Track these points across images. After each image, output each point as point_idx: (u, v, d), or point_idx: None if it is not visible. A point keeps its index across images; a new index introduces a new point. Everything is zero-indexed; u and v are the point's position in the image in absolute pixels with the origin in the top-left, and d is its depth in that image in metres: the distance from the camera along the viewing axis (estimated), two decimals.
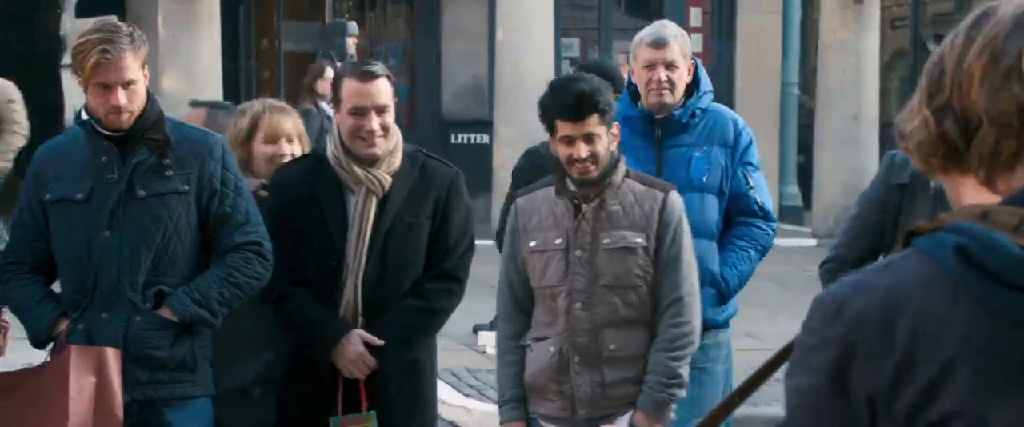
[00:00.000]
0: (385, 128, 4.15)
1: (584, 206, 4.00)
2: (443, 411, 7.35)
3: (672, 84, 4.70)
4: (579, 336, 3.99)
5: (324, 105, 11.17)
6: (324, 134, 10.76)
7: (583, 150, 3.92)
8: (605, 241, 3.98)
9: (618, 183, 4.01)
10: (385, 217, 4.17)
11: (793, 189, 14.77)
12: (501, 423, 4.18)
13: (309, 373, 4.21)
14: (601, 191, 4.00)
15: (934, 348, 1.49)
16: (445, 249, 4.24)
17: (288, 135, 4.54)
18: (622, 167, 4.05)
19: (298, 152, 4.54)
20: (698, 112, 4.75)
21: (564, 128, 3.95)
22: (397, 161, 4.21)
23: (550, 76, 13.49)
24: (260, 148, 4.50)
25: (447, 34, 15.15)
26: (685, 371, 4.02)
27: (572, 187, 4.02)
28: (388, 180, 4.17)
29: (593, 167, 3.95)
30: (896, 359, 1.50)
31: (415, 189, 4.22)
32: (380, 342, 4.15)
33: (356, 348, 4.14)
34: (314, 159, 4.33)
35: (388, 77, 4.23)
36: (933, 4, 30.75)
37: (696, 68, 4.83)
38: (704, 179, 4.69)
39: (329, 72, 11.50)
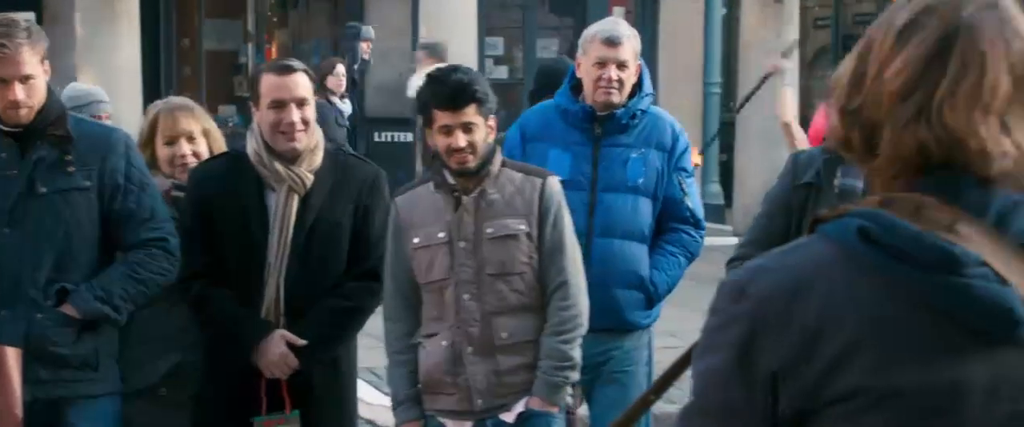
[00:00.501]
0: (305, 122, 4.13)
1: (464, 198, 4.00)
2: (363, 410, 7.31)
3: (621, 84, 4.71)
4: (470, 327, 4.00)
5: (335, 100, 11.11)
6: (337, 129, 10.69)
7: (461, 139, 3.93)
8: (488, 230, 3.99)
9: (496, 172, 4.03)
10: (307, 215, 4.15)
11: (715, 188, 14.88)
12: (397, 424, 4.17)
13: (230, 373, 4.17)
14: (480, 181, 4.01)
15: (837, 326, 1.52)
16: (366, 248, 4.23)
17: (188, 135, 4.45)
18: (499, 157, 4.06)
19: (204, 151, 4.46)
20: (639, 114, 4.75)
21: (442, 118, 3.95)
22: (318, 159, 4.19)
23: None
24: (160, 149, 4.42)
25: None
26: (577, 353, 4.04)
27: (450, 180, 4.02)
28: (310, 178, 4.15)
29: (471, 157, 3.96)
30: (799, 337, 1.53)
31: (337, 187, 4.20)
32: (303, 342, 4.12)
33: (279, 348, 4.11)
34: (234, 157, 4.28)
35: (306, 72, 4.22)
36: (854, 4, 31.11)
37: (640, 69, 4.83)
38: (639, 181, 4.68)
39: (340, 68, 11.44)
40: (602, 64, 4.69)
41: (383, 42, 14.76)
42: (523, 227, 4.01)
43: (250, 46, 15.39)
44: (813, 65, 17.56)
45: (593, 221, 4.57)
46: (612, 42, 4.68)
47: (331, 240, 4.19)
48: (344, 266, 4.22)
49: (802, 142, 6.68)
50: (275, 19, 16.02)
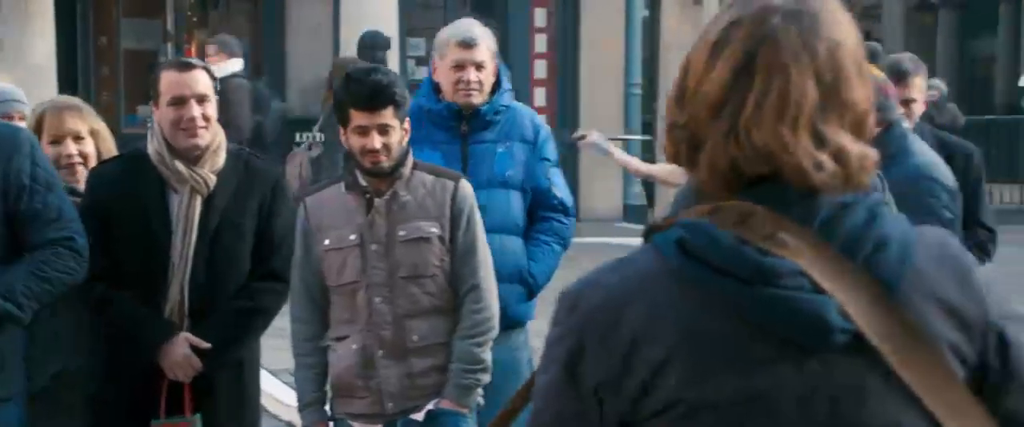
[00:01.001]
0: (206, 118, 4.10)
1: (376, 200, 3.98)
2: (281, 412, 7.27)
3: (481, 84, 4.71)
4: (382, 329, 3.97)
5: None
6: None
7: (377, 141, 3.90)
8: (401, 233, 3.97)
9: (408, 175, 4.01)
10: (211, 217, 4.12)
11: (638, 189, 14.95)
12: (303, 426, 4.14)
13: (131, 375, 4.13)
14: (392, 183, 3.99)
15: (654, 339, 1.53)
16: (270, 249, 4.21)
17: (75, 134, 4.38)
18: (410, 159, 4.05)
19: (91, 151, 4.39)
20: (502, 109, 4.78)
21: (359, 118, 3.93)
22: (221, 159, 4.16)
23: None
24: (46, 148, 4.31)
25: (292, 32, 15.01)
26: (488, 356, 4.04)
27: (362, 181, 4.00)
28: (213, 179, 4.12)
29: (385, 158, 3.93)
30: (622, 350, 1.54)
31: (240, 188, 4.18)
32: (207, 345, 4.09)
33: (182, 351, 4.08)
34: (135, 157, 4.23)
35: (207, 69, 4.19)
36: None
37: (498, 66, 4.83)
38: (508, 174, 4.71)
39: None
40: (460, 66, 4.68)
41: (305, 43, 14.69)
42: (435, 230, 3.99)
43: (169, 46, 15.21)
44: None
45: None
46: (467, 44, 4.67)
47: (235, 241, 4.15)
48: (248, 267, 4.19)
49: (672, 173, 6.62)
50: (194, 19, 15.85)
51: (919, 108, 5.22)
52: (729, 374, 1.51)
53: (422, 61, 15.36)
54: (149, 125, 4.27)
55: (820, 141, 1.53)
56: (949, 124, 14.56)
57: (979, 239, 4.96)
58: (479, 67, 4.69)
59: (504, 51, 16.13)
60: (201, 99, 4.08)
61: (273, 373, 7.43)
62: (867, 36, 27.99)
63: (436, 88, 4.80)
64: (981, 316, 1.56)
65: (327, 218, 4.03)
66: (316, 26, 14.71)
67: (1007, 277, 12.48)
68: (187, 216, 4.09)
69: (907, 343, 1.49)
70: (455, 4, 15.75)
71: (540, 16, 15.45)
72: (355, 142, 3.95)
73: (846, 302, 1.49)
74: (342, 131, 4.02)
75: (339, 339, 4.05)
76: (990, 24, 23.95)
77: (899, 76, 5.15)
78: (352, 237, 3.99)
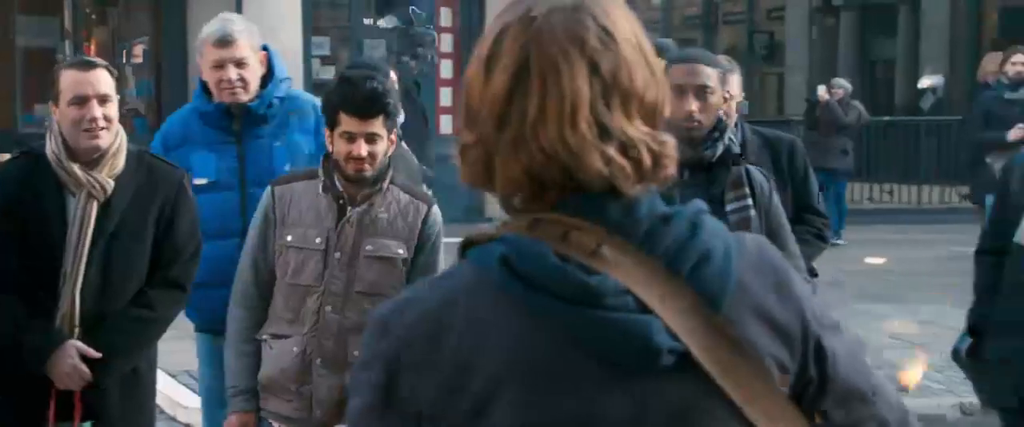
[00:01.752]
0: (108, 119, 4.00)
1: (350, 209, 3.90)
2: (179, 414, 7.16)
3: (244, 82, 4.59)
4: (326, 339, 3.90)
5: None
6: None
7: (363, 148, 3.82)
8: (367, 247, 3.90)
9: (386, 189, 3.94)
10: (108, 222, 4.02)
11: None
12: (230, 412, 4.04)
13: (20, 382, 4.00)
14: (370, 195, 3.91)
15: (481, 360, 1.47)
16: (171, 255, 4.11)
17: None
18: (391, 173, 3.97)
19: None
20: (276, 102, 4.67)
21: (348, 123, 3.83)
22: (121, 162, 4.06)
23: (299, 75, 13.34)
24: None
25: (193, 31, 14.78)
26: None
27: (339, 186, 3.91)
28: (110, 184, 4.02)
29: (369, 167, 3.86)
30: (444, 373, 1.48)
31: (141, 192, 4.08)
32: (97, 355, 3.98)
33: (71, 360, 3.97)
34: (32, 158, 4.11)
35: (108, 69, 4.08)
36: (682, 8, 31.65)
37: (269, 57, 4.71)
38: (286, 169, 4.55)
39: (392, 74, 11.00)
40: (219, 66, 4.57)
41: None
42: (402, 252, 3.93)
43: (68, 44, 14.96)
44: None
45: (246, 219, 4.34)
46: (223, 42, 4.56)
47: (132, 247, 4.05)
48: (145, 273, 4.09)
49: None
50: (94, 16, 15.60)
51: (735, 105, 5.26)
52: (558, 397, 1.47)
53: (328, 60, 15.26)
54: (47, 124, 4.16)
55: (606, 134, 1.49)
56: (855, 122, 14.76)
57: (816, 226, 4.99)
58: (240, 64, 4.56)
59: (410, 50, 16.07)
60: (103, 99, 3.98)
61: (172, 375, 7.32)
62: (771, 37, 28.43)
63: (206, 88, 4.69)
64: (800, 326, 1.55)
65: (294, 213, 3.94)
66: None
67: (906, 276, 12.62)
68: (82, 220, 3.98)
69: (731, 358, 1.48)
70: (360, 3, 15.66)
71: (446, 15, 15.41)
72: (341, 147, 3.85)
73: (671, 320, 1.46)
74: (327, 132, 3.93)
75: (278, 337, 3.96)
76: (890, 27, 24.33)
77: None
78: (318, 241, 3.90)
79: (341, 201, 3.91)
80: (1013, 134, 11.32)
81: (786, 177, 4.86)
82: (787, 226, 4.11)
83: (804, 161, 4.99)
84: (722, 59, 5.14)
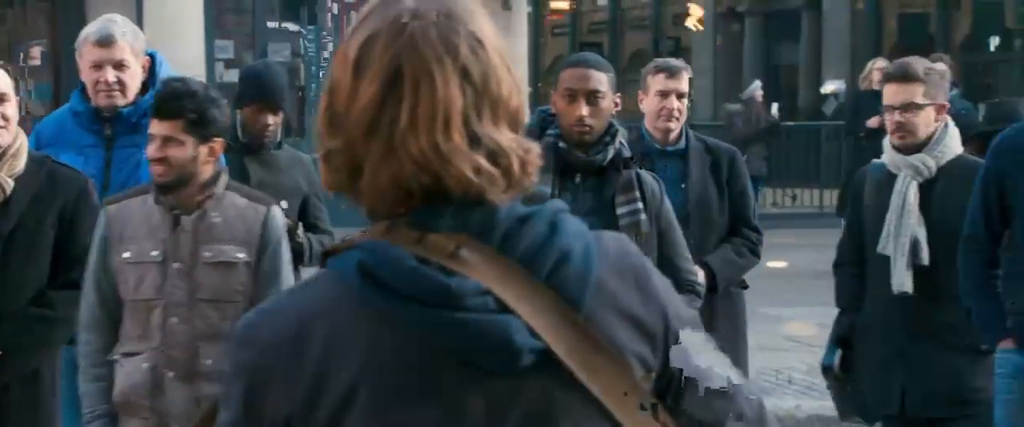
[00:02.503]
0: (6, 119, 3.95)
1: (184, 218, 3.85)
2: None
3: (122, 85, 4.54)
4: (174, 350, 3.84)
5: None
6: None
7: (159, 151, 3.77)
8: (206, 254, 3.85)
9: (219, 195, 3.88)
10: (6, 223, 3.97)
11: None
12: None
13: None
14: (202, 202, 3.86)
15: (341, 367, 1.46)
16: (72, 258, 4.06)
17: None
18: (224, 179, 3.91)
19: None
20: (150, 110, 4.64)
21: (152, 125, 3.80)
22: (21, 164, 4.01)
23: (201, 79, 13.22)
24: None
25: None
26: None
27: (170, 197, 3.86)
28: (10, 183, 3.97)
29: (165, 170, 3.79)
30: (307, 381, 1.47)
31: (40, 195, 4.03)
32: None
33: None
34: None
35: (6, 69, 4.04)
36: (589, 13, 31.83)
37: (152, 63, 4.66)
38: None
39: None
40: (98, 66, 4.52)
41: None
42: (242, 255, 3.87)
43: None
44: (550, 71, 17.90)
45: None
46: (104, 43, 4.51)
47: (32, 249, 4.01)
48: (46, 275, 4.04)
49: None
50: None
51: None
52: (418, 401, 1.46)
53: (231, 64, 15.13)
54: None
55: (476, 143, 1.49)
56: (767, 125, 14.93)
57: (751, 241, 5.01)
58: (119, 66, 4.51)
59: (316, 54, 15.99)
60: (1, 99, 3.94)
61: None
62: (676, 43, 28.64)
63: (85, 89, 4.63)
64: (661, 323, 1.56)
65: (130, 229, 3.88)
66: None
67: (807, 280, 12.74)
68: None
69: (592, 357, 1.48)
70: (264, 7, 15.56)
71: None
72: (148, 150, 3.82)
73: (532, 320, 1.46)
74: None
75: (128, 355, 3.90)
76: (793, 32, 24.64)
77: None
78: (154, 253, 3.84)
79: (174, 211, 3.86)
80: (873, 121, 11.58)
81: (724, 186, 4.90)
82: (678, 228, 4.13)
83: (744, 173, 5.03)
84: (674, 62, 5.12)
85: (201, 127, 3.79)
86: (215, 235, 3.85)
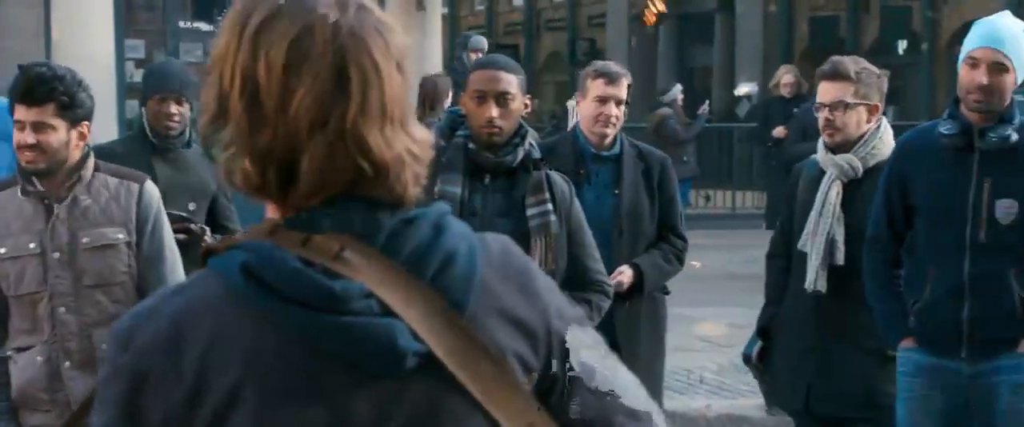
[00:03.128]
0: None
1: (56, 206, 3.79)
2: None
3: None
4: (68, 341, 3.80)
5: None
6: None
7: (30, 137, 3.71)
8: (84, 240, 3.81)
9: (88, 178, 3.84)
10: None
11: None
12: None
13: None
14: (71, 187, 3.81)
15: (223, 369, 1.45)
16: None
17: None
18: (91, 161, 3.87)
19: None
20: None
21: (18, 112, 3.73)
22: None
23: (111, 78, 13.05)
24: None
25: (0, 34, 14.37)
26: None
27: (40, 186, 3.80)
28: None
29: (39, 158, 3.74)
30: (187, 383, 1.45)
31: None
32: None
33: None
34: None
35: None
36: (505, 15, 31.85)
37: None
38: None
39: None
40: None
41: (15, 43, 14.08)
42: (121, 236, 3.83)
43: None
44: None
45: None
46: None
47: None
48: None
49: None
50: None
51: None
52: (301, 405, 1.45)
53: (141, 63, 14.95)
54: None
55: (408, 134, 1.52)
56: (683, 128, 15.04)
57: (677, 248, 5.04)
58: None
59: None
60: None
61: None
62: (592, 44, 28.73)
63: None
64: (544, 325, 1.57)
65: (2, 225, 3.82)
66: (25, 27, 14.12)
67: (719, 280, 12.85)
68: None
69: (475, 359, 1.48)
70: (175, 6, 15.40)
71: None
72: (15, 137, 3.75)
73: (415, 323, 1.46)
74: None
75: (20, 349, 3.84)
76: (707, 35, 24.84)
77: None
78: (32, 245, 3.79)
79: (46, 201, 3.81)
80: (778, 131, 11.74)
81: (655, 192, 4.92)
82: (587, 229, 4.15)
83: (674, 180, 5.06)
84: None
85: (71, 110, 3.74)
86: (91, 219, 3.81)
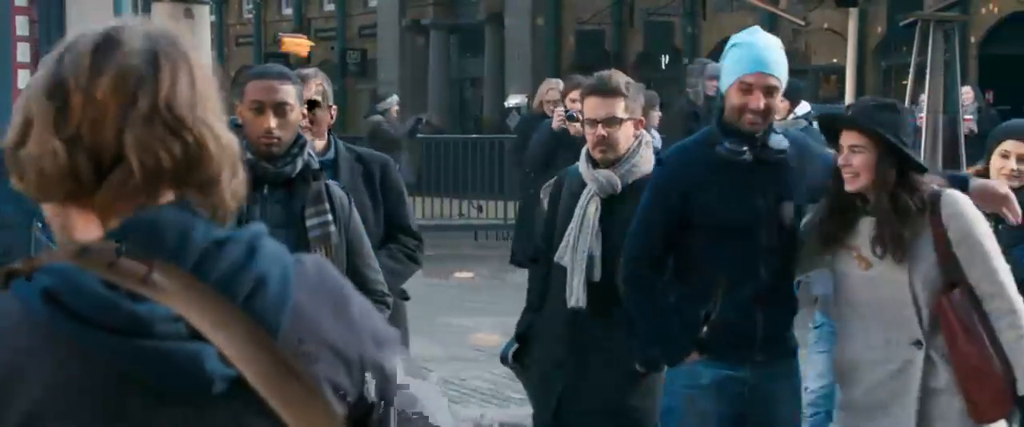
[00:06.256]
0: None
1: None
2: None
3: None
4: None
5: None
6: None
7: None
8: None
9: None
10: None
11: None
12: None
13: None
14: None
15: (21, 393, 1.42)
16: None
17: None
18: None
19: None
20: None
21: None
22: None
23: None
24: None
25: None
26: None
27: None
28: None
29: None
30: None
31: None
32: None
33: None
34: None
35: None
36: (274, 24, 31.47)
37: None
38: None
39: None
40: None
41: None
42: None
43: None
44: (235, 83, 17.61)
45: None
46: None
47: None
48: None
49: None
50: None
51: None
52: None
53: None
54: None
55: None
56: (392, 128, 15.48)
57: (409, 247, 4.82)
58: None
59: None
60: None
61: None
62: (363, 55, 28.64)
63: None
64: (358, 350, 1.56)
65: None
66: None
67: (493, 290, 12.92)
68: None
69: (286, 384, 1.46)
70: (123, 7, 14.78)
71: (22, 25, 14.70)
72: None
73: (224, 347, 1.43)
74: None
75: None
76: (477, 46, 25.08)
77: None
78: None
79: None
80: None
81: (379, 195, 4.80)
82: (367, 239, 4.12)
83: (398, 180, 4.91)
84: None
85: None
86: None
